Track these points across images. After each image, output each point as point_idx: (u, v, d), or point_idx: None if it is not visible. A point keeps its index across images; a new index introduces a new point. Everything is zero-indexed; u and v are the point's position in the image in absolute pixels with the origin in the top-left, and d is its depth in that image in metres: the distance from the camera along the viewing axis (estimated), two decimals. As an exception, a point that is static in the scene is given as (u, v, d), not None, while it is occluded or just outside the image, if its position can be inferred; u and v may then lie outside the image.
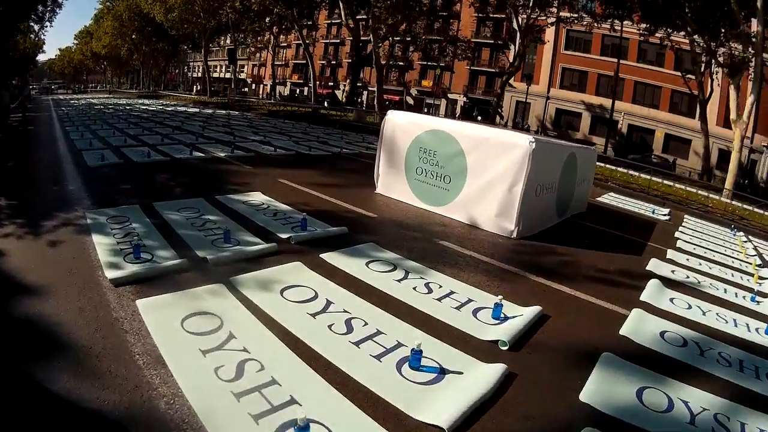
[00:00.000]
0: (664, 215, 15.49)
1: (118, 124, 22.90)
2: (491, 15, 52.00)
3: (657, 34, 33.18)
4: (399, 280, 6.32)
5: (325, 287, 5.83)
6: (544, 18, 36.89)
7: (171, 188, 10.71)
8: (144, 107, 38.28)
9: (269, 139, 20.24)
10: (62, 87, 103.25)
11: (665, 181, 23.96)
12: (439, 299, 5.86)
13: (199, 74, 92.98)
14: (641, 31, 33.64)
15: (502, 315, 5.52)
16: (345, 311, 5.27)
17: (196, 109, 38.83)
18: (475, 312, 5.65)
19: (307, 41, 46.99)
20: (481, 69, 60.32)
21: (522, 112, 54.86)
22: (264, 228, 8.05)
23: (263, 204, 9.64)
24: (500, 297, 5.65)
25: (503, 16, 49.99)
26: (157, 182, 11.21)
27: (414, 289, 6.08)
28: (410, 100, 65.27)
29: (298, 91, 77.67)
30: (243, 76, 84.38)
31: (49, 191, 9.69)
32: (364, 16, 42.08)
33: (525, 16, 36.52)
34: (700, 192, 23.07)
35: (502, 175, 8.91)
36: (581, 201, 13.12)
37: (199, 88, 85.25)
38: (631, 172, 25.47)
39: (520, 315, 5.60)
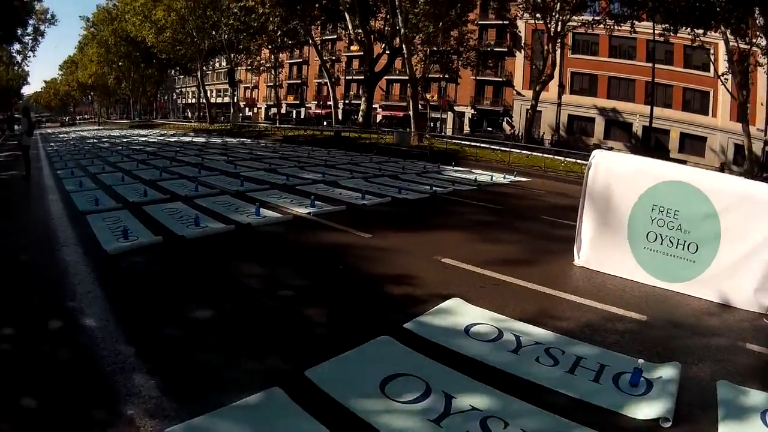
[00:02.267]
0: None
1: (123, 164, 17.76)
2: (494, 21, 48.00)
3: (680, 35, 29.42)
4: None
5: None
6: (574, 23, 32.69)
7: (293, 307, 5.44)
8: (143, 139, 33.07)
9: (334, 178, 14.99)
10: (49, 120, 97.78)
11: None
12: None
13: (190, 100, 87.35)
14: (663, 31, 29.53)
15: None
16: None
17: (202, 139, 33.65)
18: None
19: (325, 57, 41.76)
20: (487, 79, 55.90)
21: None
22: (582, 401, 3.70)
23: (497, 331, 4.81)
24: None
25: (506, 22, 46.16)
26: (252, 291, 5.90)
27: None
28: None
29: (295, 112, 72.39)
30: (235, 99, 78.52)
31: (52, 343, 4.41)
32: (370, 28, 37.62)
33: (555, 20, 31.95)
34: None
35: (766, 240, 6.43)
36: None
37: (189, 114, 79.92)
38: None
39: None
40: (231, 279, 6.19)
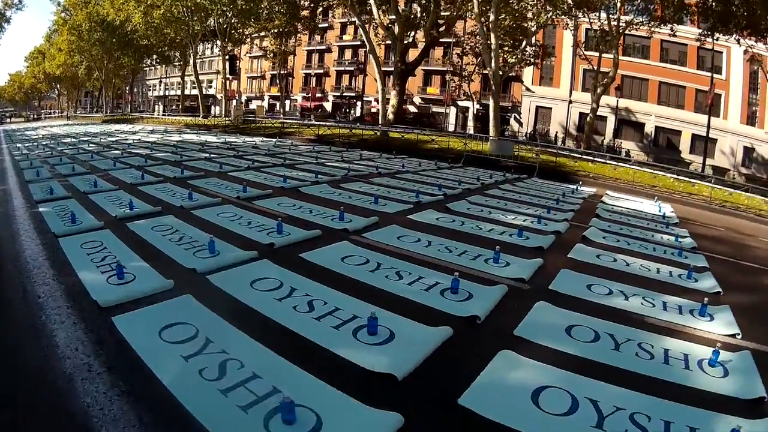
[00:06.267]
0: None
1: (148, 189, 10.44)
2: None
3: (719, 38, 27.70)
4: None
5: None
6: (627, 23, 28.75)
7: None
8: (134, 138, 24.97)
9: (560, 224, 9.03)
10: (13, 115, 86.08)
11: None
12: None
13: (164, 92, 76.57)
14: (699, 35, 28.12)
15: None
16: None
17: (213, 137, 25.76)
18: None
19: (374, 39, 34.40)
20: (495, 74, 48.97)
21: (542, 117, 46.97)
22: None
23: None
24: None
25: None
26: None
27: None
28: (413, 109, 53.40)
29: (278, 105, 63.94)
30: (212, 91, 68.69)
31: None
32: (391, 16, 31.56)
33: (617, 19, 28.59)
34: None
35: None
36: None
37: (161, 107, 69.57)
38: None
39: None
40: None
